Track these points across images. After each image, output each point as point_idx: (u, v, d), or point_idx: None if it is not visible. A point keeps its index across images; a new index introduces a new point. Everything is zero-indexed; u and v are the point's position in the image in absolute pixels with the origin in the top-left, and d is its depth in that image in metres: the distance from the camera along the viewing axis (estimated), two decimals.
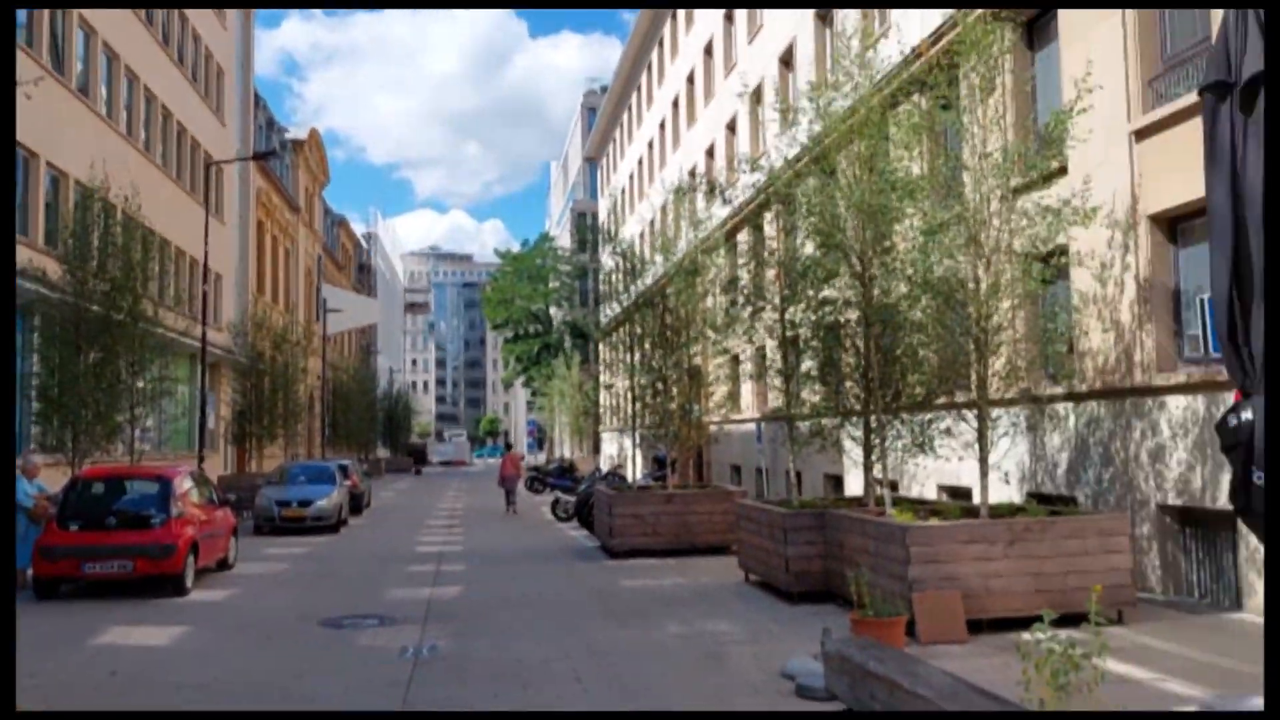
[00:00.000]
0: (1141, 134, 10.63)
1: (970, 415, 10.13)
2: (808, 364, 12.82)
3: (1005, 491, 12.13)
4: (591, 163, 60.25)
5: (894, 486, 12.67)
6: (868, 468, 11.62)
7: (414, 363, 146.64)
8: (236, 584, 13.58)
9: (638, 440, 21.44)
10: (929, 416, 10.98)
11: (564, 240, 67.88)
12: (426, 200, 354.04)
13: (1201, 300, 9.16)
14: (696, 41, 32.09)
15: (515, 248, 78.59)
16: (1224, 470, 9.02)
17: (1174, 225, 10.60)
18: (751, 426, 21.69)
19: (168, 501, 12.76)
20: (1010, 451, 12.01)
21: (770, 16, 24.15)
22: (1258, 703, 5.99)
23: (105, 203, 17.11)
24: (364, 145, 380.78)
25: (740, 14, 26.91)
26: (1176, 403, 10.09)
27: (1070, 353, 11.33)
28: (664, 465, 21.99)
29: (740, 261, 16.02)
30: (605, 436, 46.85)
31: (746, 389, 23.12)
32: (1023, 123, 11.82)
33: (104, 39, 23.22)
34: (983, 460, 9.85)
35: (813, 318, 12.40)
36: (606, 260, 22.33)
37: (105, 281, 16.40)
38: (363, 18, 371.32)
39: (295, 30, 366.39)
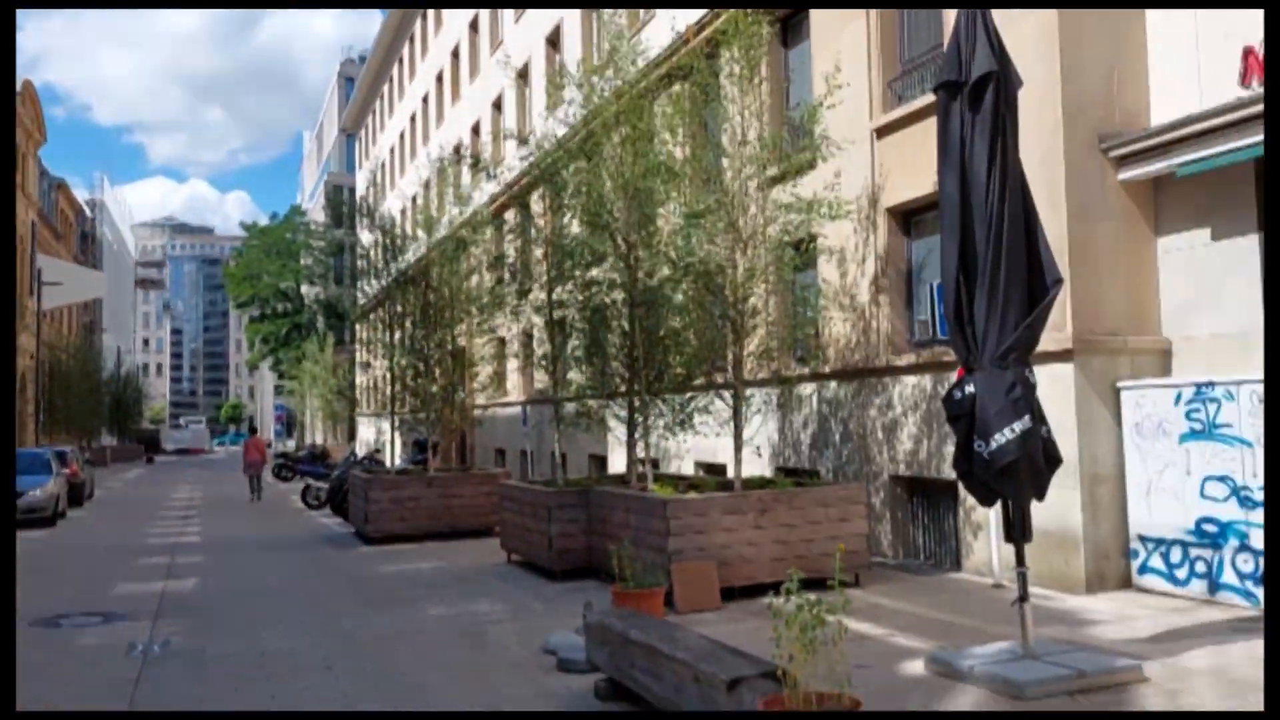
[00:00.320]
0: (882, 131, 11.43)
1: (727, 395, 10.57)
2: (574, 344, 12.87)
3: (758, 466, 12.75)
4: (349, 135, 57.71)
5: (655, 464, 13.00)
6: (631, 446, 11.85)
7: (146, 343, 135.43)
8: None
9: (397, 424, 20.76)
10: (689, 396, 11.34)
11: (318, 214, 64.64)
12: (162, 167, 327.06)
13: (931, 286, 9.98)
14: (462, 17, 31.36)
15: (263, 221, 74.09)
16: (947, 443, 9.92)
17: (908, 218, 11.49)
18: (517, 410, 21.56)
19: None
20: (762, 428, 12.65)
21: None
22: (979, 652, 6.62)
23: None
24: (88, 103, 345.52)
25: None
26: (907, 381, 10.97)
27: (816, 336, 12.06)
28: (425, 449, 21.43)
29: (508, 239, 15.84)
30: (362, 421, 45.13)
31: (512, 370, 22.95)
32: (779, 115, 12.39)
33: None
34: (737, 437, 10.29)
35: (580, 298, 12.46)
36: (365, 236, 21.40)
37: None
38: None
39: None
